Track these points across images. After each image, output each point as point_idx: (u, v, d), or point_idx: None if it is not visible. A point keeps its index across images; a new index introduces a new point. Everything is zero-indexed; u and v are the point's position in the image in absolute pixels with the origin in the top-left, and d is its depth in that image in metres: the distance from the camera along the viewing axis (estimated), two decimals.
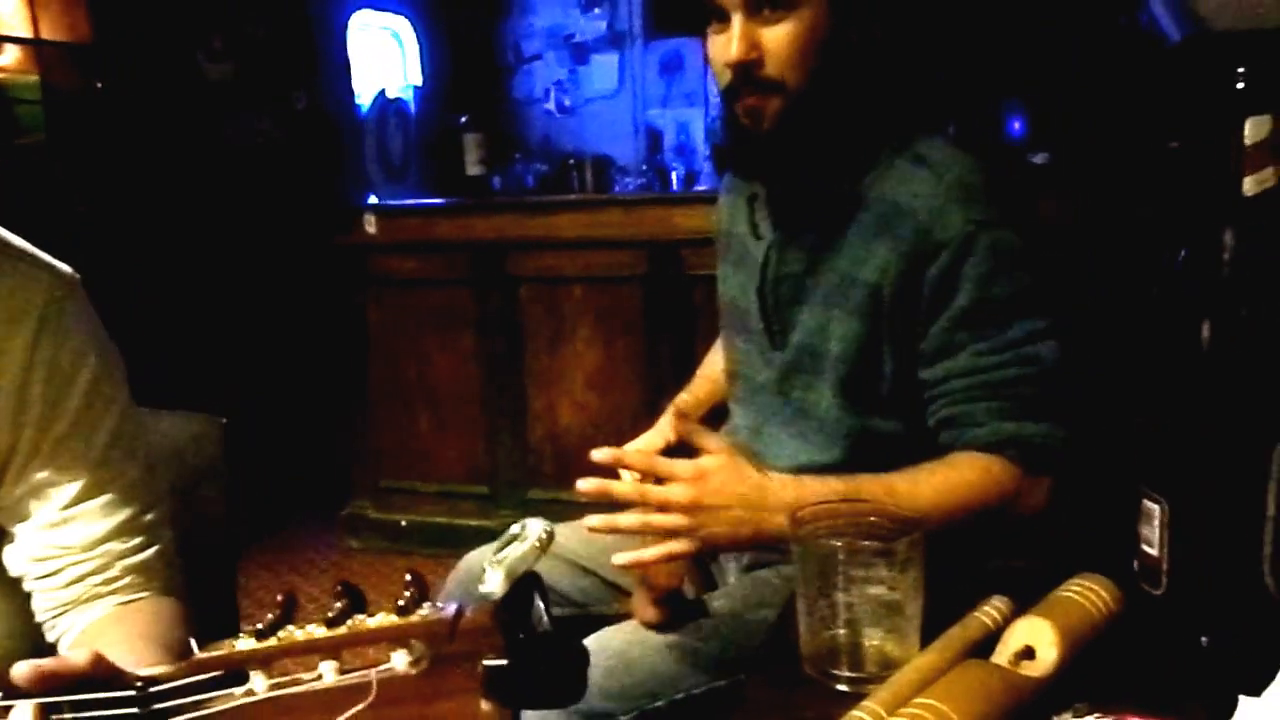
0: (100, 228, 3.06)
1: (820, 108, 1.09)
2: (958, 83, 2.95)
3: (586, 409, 3.01)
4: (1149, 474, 0.79)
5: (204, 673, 0.57)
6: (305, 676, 0.57)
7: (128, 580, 0.91)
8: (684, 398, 1.44)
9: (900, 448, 1.10)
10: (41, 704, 0.59)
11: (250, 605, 2.78)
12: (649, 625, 1.06)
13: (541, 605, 0.61)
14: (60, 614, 0.91)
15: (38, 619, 0.92)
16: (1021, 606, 0.80)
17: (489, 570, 0.61)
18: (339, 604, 0.59)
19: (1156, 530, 0.78)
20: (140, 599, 0.92)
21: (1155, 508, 0.78)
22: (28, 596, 0.92)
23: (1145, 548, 0.79)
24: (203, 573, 1.17)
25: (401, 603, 0.59)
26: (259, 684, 0.57)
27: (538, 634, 0.60)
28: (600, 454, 0.99)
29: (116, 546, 0.91)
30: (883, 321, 1.10)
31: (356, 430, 3.26)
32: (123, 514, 0.92)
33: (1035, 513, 1.05)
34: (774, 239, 1.20)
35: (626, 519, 0.96)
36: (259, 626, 0.58)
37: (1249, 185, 0.73)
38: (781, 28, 1.06)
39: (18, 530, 0.91)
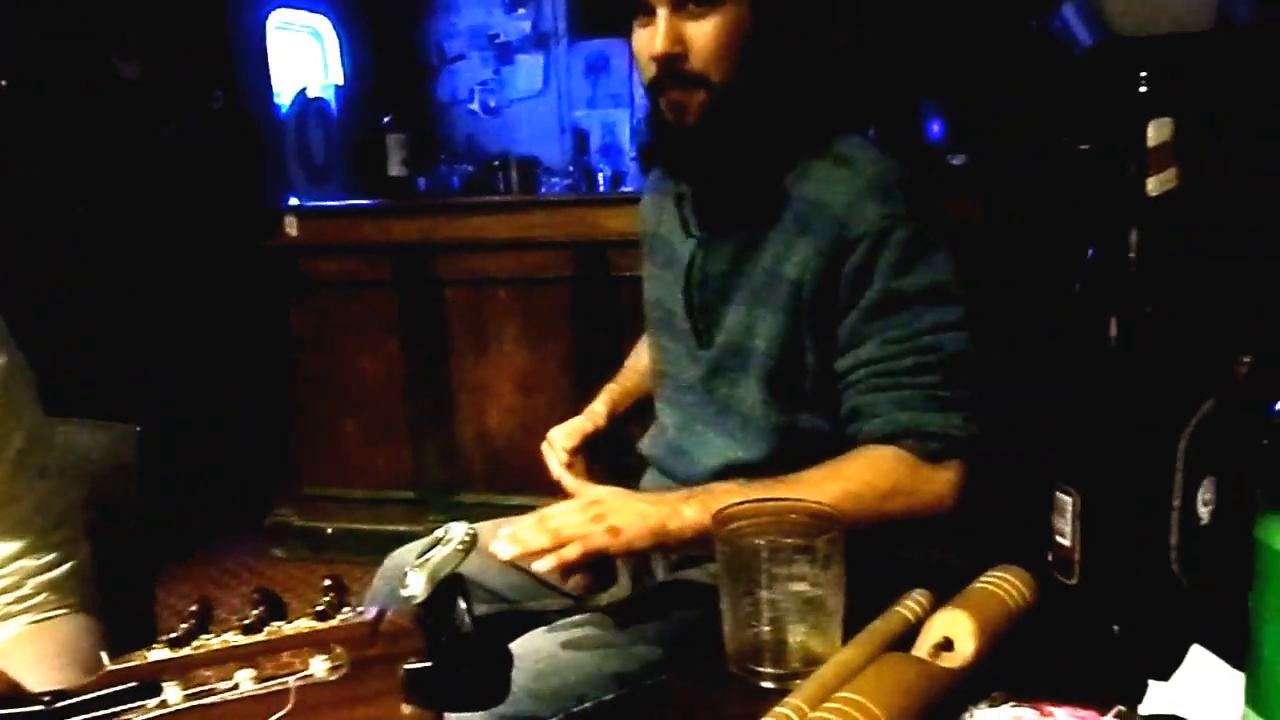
0: (7, 231, 2.94)
1: (743, 104, 1.10)
2: (879, 85, 3.00)
3: (515, 411, 2.99)
4: (1062, 467, 0.81)
5: (115, 685, 0.55)
6: (221, 686, 0.56)
7: (42, 598, 0.89)
8: (612, 386, 1.44)
9: (826, 443, 1.11)
10: None
11: (170, 618, 2.70)
12: (577, 590, 1.07)
13: (464, 607, 0.60)
14: None
15: None
16: (941, 599, 0.81)
17: (411, 573, 0.60)
18: (256, 611, 0.58)
19: (1069, 522, 0.80)
20: (55, 617, 0.90)
21: (1067, 500, 0.80)
22: None
23: (1059, 539, 0.81)
24: (119, 585, 1.13)
25: (320, 608, 0.58)
26: (173, 695, 0.55)
27: (460, 636, 0.59)
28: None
29: (29, 564, 0.88)
30: (804, 317, 1.11)
31: (279, 437, 3.19)
32: (33, 530, 0.89)
33: (944, 504, 1.05)
34: (700, 238, 1.21)
35: (537, 540, 0.96)
36: (173, 635, 0.57)
37: (1152, 186, 0.76)
38: (706, 22, 1.07)
39: None
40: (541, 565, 0.96)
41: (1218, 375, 0.77)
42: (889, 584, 0.86)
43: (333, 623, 0.57)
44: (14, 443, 0.89)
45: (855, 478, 1.03)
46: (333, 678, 0.56)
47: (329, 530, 3.17)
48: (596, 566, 1.04)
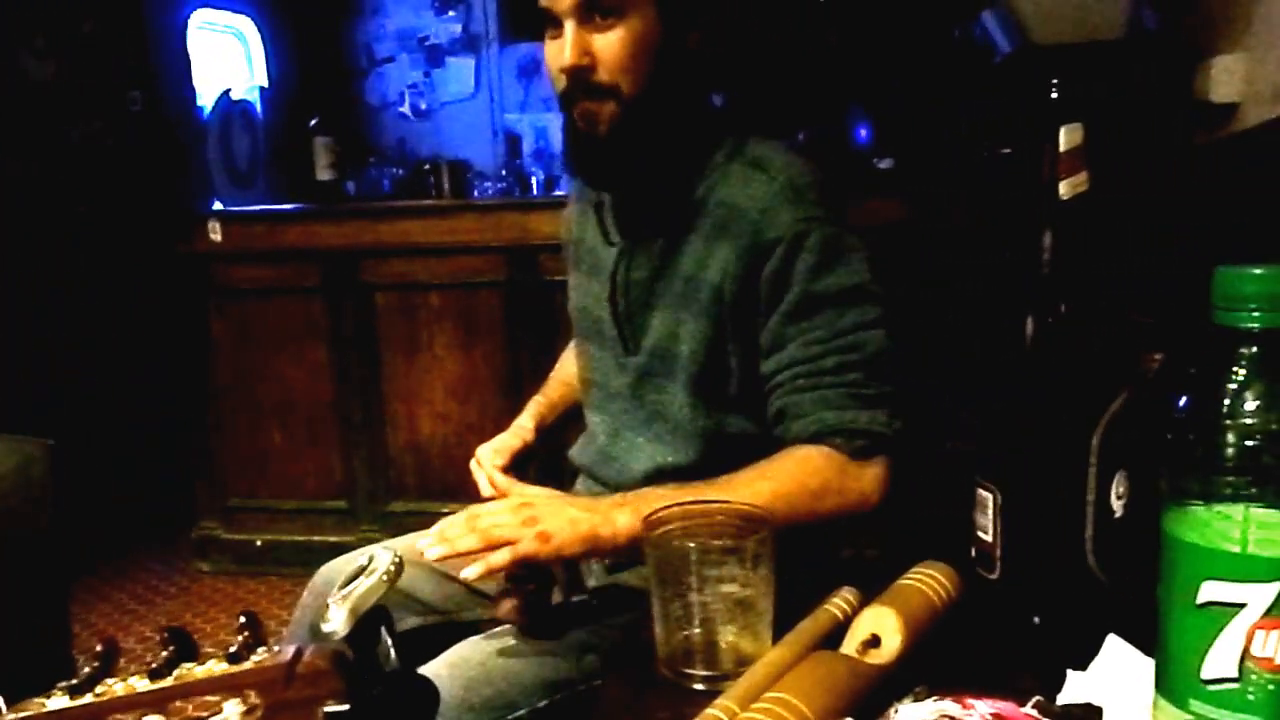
0: None
1: (654, 112, 1.11)
2: (804, 91, 3.05)
3: (448, 418, 2.96)
4: (982, 464, 0.83)
5: None
6: None
7: None
8: (538, 399, 1.44)
9: (754, 444, 1.12)
10: None
11: (89, 636, 2.62)
12: (511, 623, 1.05)
13: (389, 641, 0.59)
14: None
15: None
16: (870, 596, 0.82)
17: (333, 608, 0.59)
18: (165, 652, 0.56)
19: (990, 517, 0.82)
20: None
21: (988, 496, 0.82)
22: None
23: (980, 534, 0.83)
24: (32, 605, 1.09)
25: (234, 648, 0.55)
26: None
27: (384, 674, 0.58)
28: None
29: None
30: (726, 322, 1.12)
31: (200, 448, 3.11)
32: None
33: (870, 500, 1.07)
34: (622, 245, 1.21)
35: (466, 541, 0.96)
36: (74, 681, 0.54)
37: (1064, 189, 0.78)
38: (613, 34, 1.08)
39: None
40: (470, 572, 0.96)
41: (1129, 372, 0.80)
42: (818, 583, 0.87)
43: (246, 665, 0.55)
44: None
45: (786, 478, 1.04)
46: None
47: (258, 543, 3.10)
48: (530, 595, 1.04)
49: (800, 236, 1.08)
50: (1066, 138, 0.78)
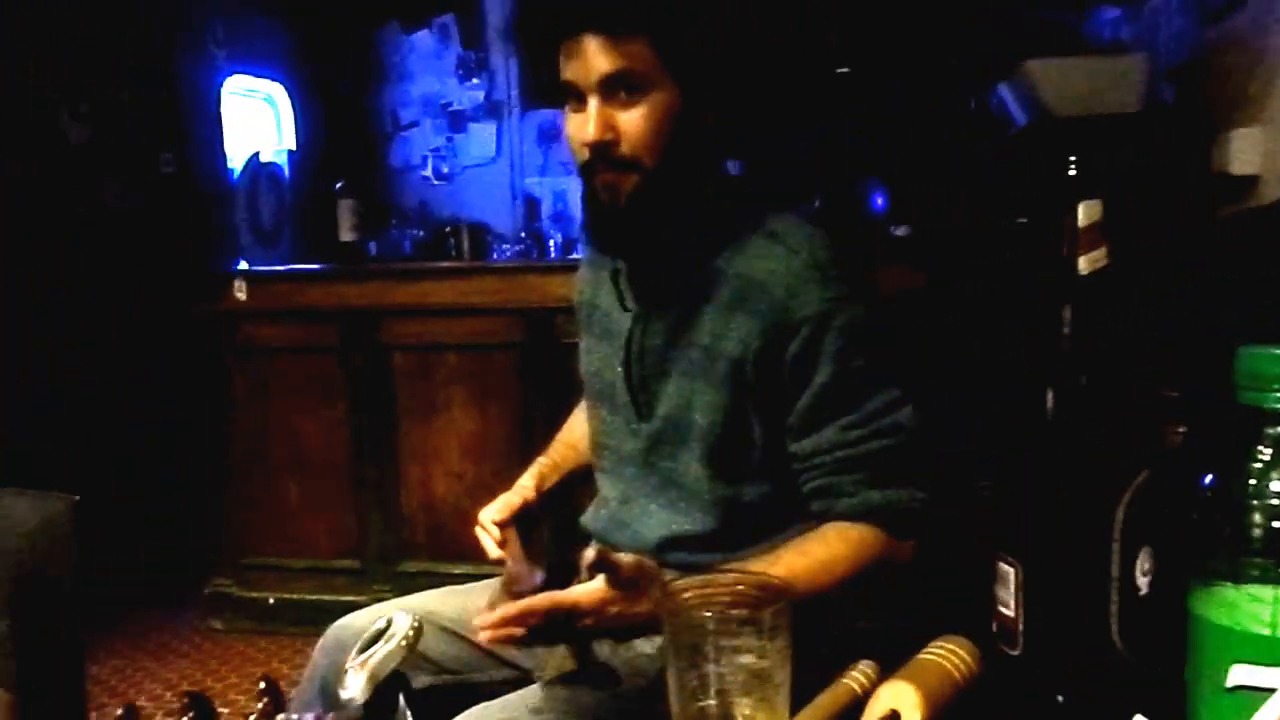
0: None
1: (674, 184, 1.13)
2: (823, 161, 3.08)
3: (462, 478, 2.96)
4: (1003, 538, 0.82)
5: None
6: None
7: None
8: (543, 461, 1.43)
9: (768, 514, 1.13)
10: None
11: (101, 693, 2.60)
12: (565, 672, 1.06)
13: (407, 710, 0.58)
14: None
15: None
16: (888, 670, 0.81)
17: (351, 674, 0.58)
18: (185, 719, 0.55)
19: (1012, 592, 0.81)
20: None
21: (1010, 570, 0.81)
22: None
23: (1002, 609, 0.82)
24: (50, 657, 1.09)
25: (254, 716, 0.55)
26: None
27: None
28: (484, 621, 1.00)
29: None
30: (747, 394, 1.13)
31: (215, 504, 3.11)
32: None
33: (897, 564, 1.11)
34: (638, 312, 1.22)
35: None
36: None
37: (1083, 265, 0.78)
38: (636, 110, 1.09)
39: None
40: (484, 635, 0.96)
41: (1151, 447, 0.79)
42: (834, 655, 0.86)
43: None
44: None
45: (843, 564, 1.07)
46: None
47: (271, 600, 3.08)
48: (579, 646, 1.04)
49: (827, 316, 1.09)
50: (1085, 213, 0.78)
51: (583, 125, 1.10)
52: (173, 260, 3.19)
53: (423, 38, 3.98)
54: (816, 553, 1.06)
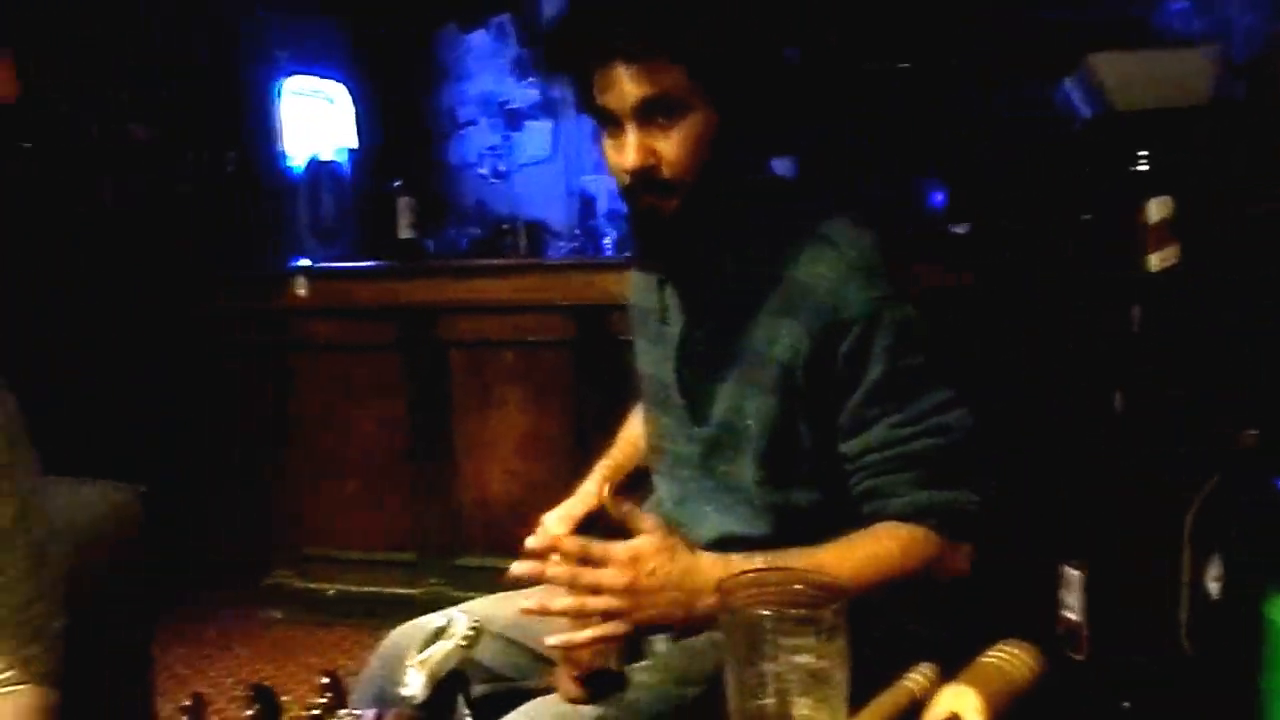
0: (23, 287, 2.97)
1: (717, 201, 1.12)
2: (879, 156, 3.05)
3: (516, 475, 2.98)
4: (1068, 542, 0.81)
5: None
6: None
7: (9, 674, 0.89)
8: (606, 463, 1.44)
9: (822, 519, 1.12)
10: None
11: (167, 679, 2.66)
12: (573, 702, 1.05)
13: (466, 709, 0.59)
14: None
15: None
16: (947, 673, 0.80)
17: (411, 672, 0.59)
18: (250, 711, 0.56)
19: (1077, 596, 0.80)
20: (14, 691, 0.89)
21: (1075, 574, 0.79)
22: None
23: (1066, 613, 0.81)
24: (117, 645, 1.12)
25: (316, 710, 0.56)
26: None
27: None
28: (533, 541, 0.99)
29: (1, 641, 0.88)
30: (798, 399, 1.12)
31: (277, 497, 3.18)
32: (11, 605, 0.89)
33: (961, 574, 1.09)
34: (687, 320, 1.22)
35: (561, 602, 0.96)
36: None
37: (1153, 262, 0.77)
38: (674, 134, 1.09)
39: None
40: (553, 641, 0.96)
41: (1222, 450, 0.77)
42: (894, 657, 0.85)
43: None
44: (3, 515, 0.88)
45: (890, 561, 1.05)
46: None
47: (329, 592, 3.14)
48: (595, 677, 1.04)
49: (876, 316, 1.08)
50: (1156, 210, 0.77)
51: (621, 151, 1.10)
52: (235, 257, 3.26)
53: (480, 37, 4.01)
54: (864, 550, 1.05)
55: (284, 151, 3.43)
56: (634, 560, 0.97)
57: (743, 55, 1.11)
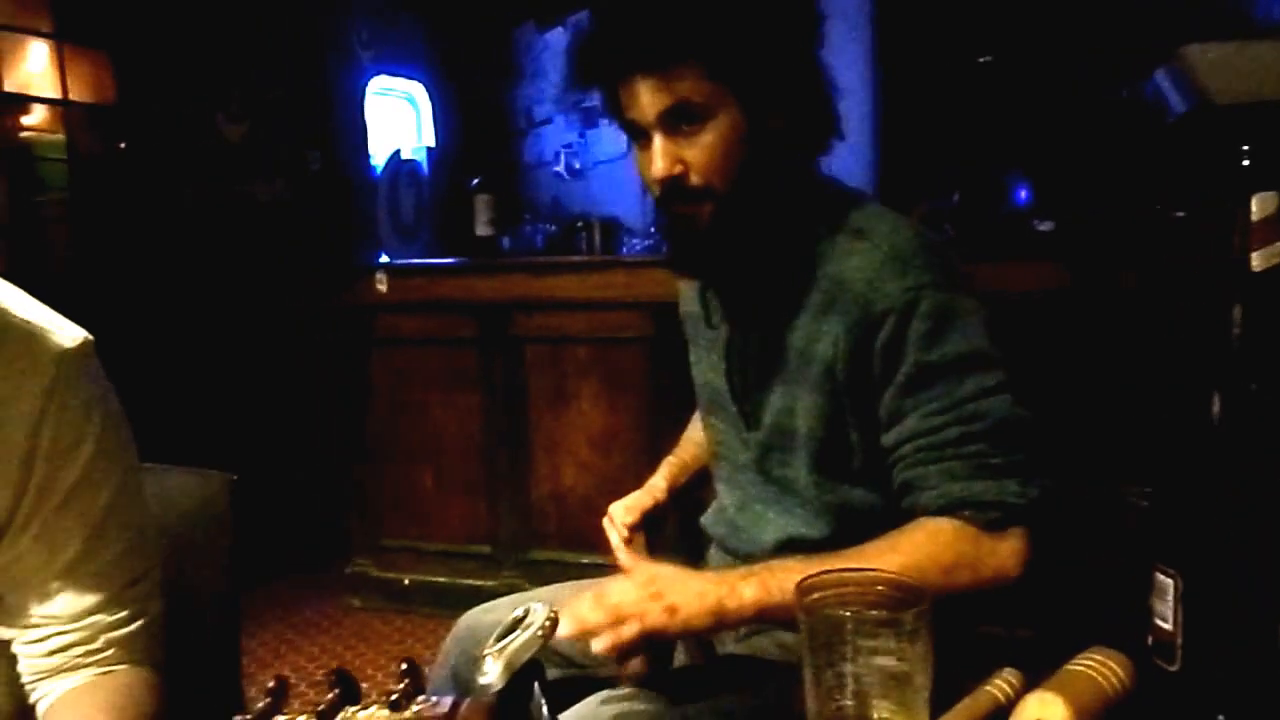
0: (117, 284, 3.09)
1: (751, 204, 1.11)
2: (962, 151, 2.99)
3: (590, 470, 3.00)
4: (1162, 547, 0.78)
5: None
6: None
7: (110, 652, 0.91)
8: (671, 460, 1.45)
9: (881, 517, 1.10)
10: None
11: (250, 663, 2.75)
12: (633, 680, 1.05)
13: (542, 699, 0.60)
14: (41, 679, 0.90)
15: (22, 680, 0.92)
16: (1032, 680, 0.79)
17: (489, 660, 0.60)
18: (331, 694, 0.58)
19: (1170, 604, 0.77)
20: (117, 670, 0.91)
21: (1169, 581, 0.77)
22: (14, 662, 0.92)
23: (1159, 622, 0.78)
24: (205, 629, 1.16)
25: (395, 696, 0.57)
26: None
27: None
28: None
29: (103, 619, 0.90)
30: (841, 397, 1.10)
31: (357, 487, 3.25)
32: (112, 586, 0.91)
33: (1007, 574, 1.02)
34: (732, 324, 1.22)
35: (595, 616, 0.96)
36: (248, 716, 0.57)
37: (1257, 261, 0.74)
38: (700, 140, 1.08)
39: (8, 595, 0.90)
40: (599, 644, 0.96)
41: None
42: (976, 661, 0.84)
43: (406, 714, 0.56)
44: (102, 497, 0.90)
45: (916, 551, 1.01)
46: None
47: (406, 581, 3.20)
48: (654, 649, 1.04)
49: (910, 305, 1.05)
50: (1260, 206, 0.74)
51: (650, 161, 1.10)
52: (318, 253, 3.34)
53: (557, 35, 4.05)
54: (902, 549, 1.01)
55: (366, 150, 3.51)
56: (650, 575, 1.01)
57: (762, 54, 1.08)
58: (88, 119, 3.16)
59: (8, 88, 2.92)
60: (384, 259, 3.35)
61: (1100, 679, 0.77)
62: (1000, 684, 0.79)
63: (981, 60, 3.17)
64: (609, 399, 2.96)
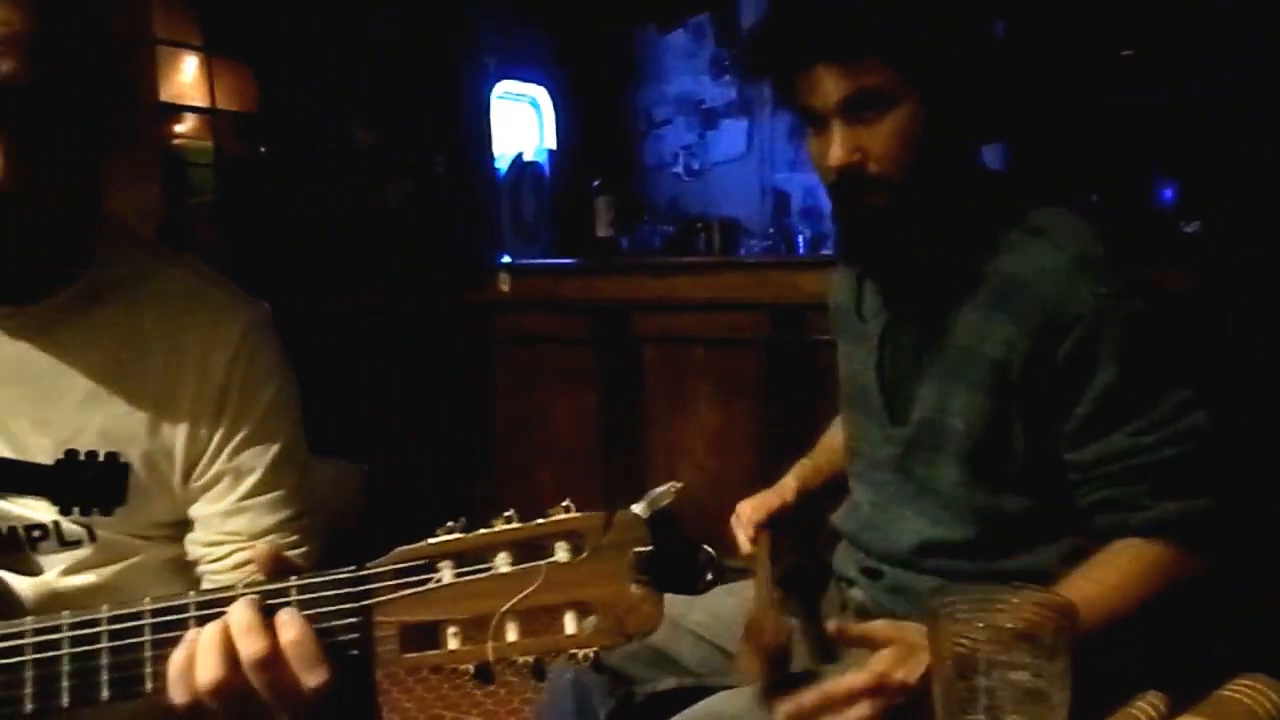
0: (257, 281, 3.24)
1: (925, 195, 1.09)
2: (1104, 148, 2.87)
3: (706, 471, 2.99)
4: None
5: (404, 563, 0.69)
6: (483, 566, 0.68)
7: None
8: (805, 462, 1.43)
9: (1032, 525, 1.07)
10: (264, 590, 0.70)
11: None
12: (749, 681, 1.04)
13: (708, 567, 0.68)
14: None
15: None
16: (1178, 704, 0.75)
17: (638, 504, 0.73)
18: (508, 513, 0.71)
19: None
20: None
21: None
22: (197, 582, 0.99)
23: None
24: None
25: (566, 504, 0.70)
26: (446, 574, 0.68)
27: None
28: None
29: (279, 539, 0.98)
30: (1011, 399, 1.07)
31: (478, 482, 3.32)
32: (287, 511, 1.00)
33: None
34: (889, 316, 1.20)
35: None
36: (450, 524, 0.70)
37: None
38: (881, 127, 1.06)
39: (197, 515, 1.00)
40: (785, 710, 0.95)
41: None
42: (1118, 684, 0.81)
43: (575, 514, 0.69)
44: (281, 436, 1.01)
45: (1140, 585, 0.99)
46: (573, 559, 0.68)
47: None
48: (775, 659, 1.04)
49: (1102, 313, 1.01)
50: None
51: (826, 148, 1.09)
52: (444, 254, 3.43)
53: (677, 37, 4.06)
54: (1109, 578, 0.98)
55: (491, 153, 3.59)
56: (880, 686, 0.93)
57: (947, 46, 1.07)
58: (233, 126, 3.33)
59: (163, 98, 3.10)
60: (506, 259, 3.42)
61: (1255, 705, 0.73)
62: (1145, 707, 0.76)
63: (1123, 54, 3.04)
64: (726, 401, 2.95)
